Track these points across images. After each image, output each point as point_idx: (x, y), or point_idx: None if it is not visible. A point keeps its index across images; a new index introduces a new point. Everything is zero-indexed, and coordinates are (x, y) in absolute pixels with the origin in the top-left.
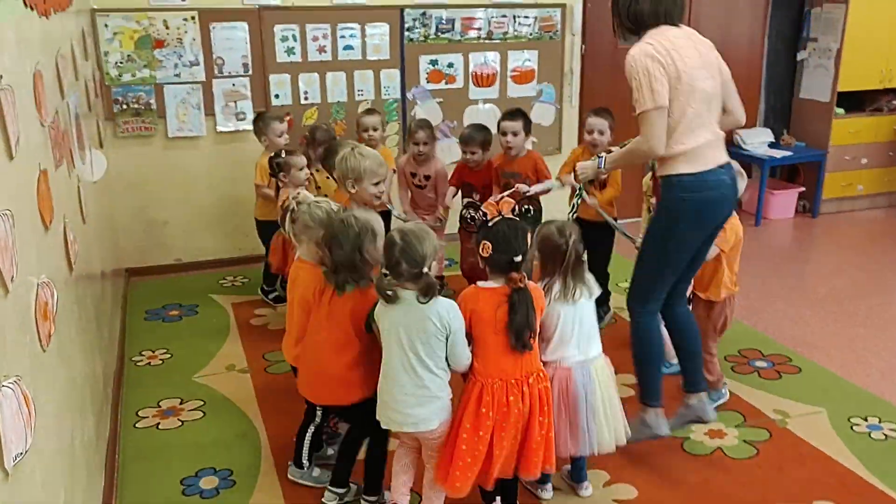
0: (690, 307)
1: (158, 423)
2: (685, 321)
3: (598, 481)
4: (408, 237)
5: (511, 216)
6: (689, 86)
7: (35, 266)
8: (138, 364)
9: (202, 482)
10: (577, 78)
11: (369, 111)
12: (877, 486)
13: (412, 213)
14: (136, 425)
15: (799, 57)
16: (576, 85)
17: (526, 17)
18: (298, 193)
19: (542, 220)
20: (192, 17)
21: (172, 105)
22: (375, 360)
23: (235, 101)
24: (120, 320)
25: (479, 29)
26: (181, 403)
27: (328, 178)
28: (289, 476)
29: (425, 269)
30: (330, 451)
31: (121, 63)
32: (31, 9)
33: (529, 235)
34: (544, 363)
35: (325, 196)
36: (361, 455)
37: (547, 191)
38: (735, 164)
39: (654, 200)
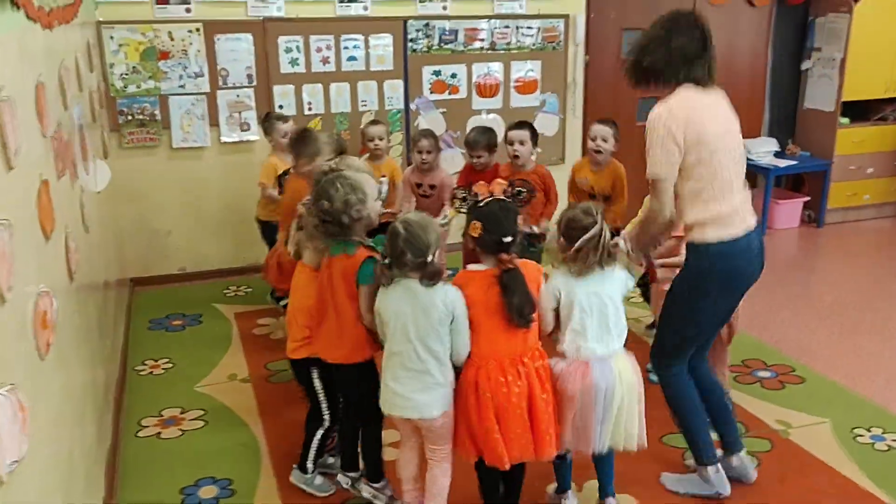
0: None
1: (159, 433)
2: (707, 379)
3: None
4: (411, 227)
5: (503, 197)
6: (711, 152)
7: (34, 275)
8: (141, 373)
9: (202, 491)
10: (580, 88)
11: (374, 122)
12: (879, 496)
13: None
14: (138, 434)
15: (803, 67)
16: (579, 95)
17: (529, 27)
18: (307, 199)
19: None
20: (197, 29)
21: (177, 116)
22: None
23: (239, 112)
24: (123, 329)
25: (483, 40)
26: (182, 413)
27: None
28: (291, 479)
29: (429, 259)
30: (330, 460)
31: (126, 74)
32: (35, 21)
33: (521, 217)
34: (562, 355)
35: None
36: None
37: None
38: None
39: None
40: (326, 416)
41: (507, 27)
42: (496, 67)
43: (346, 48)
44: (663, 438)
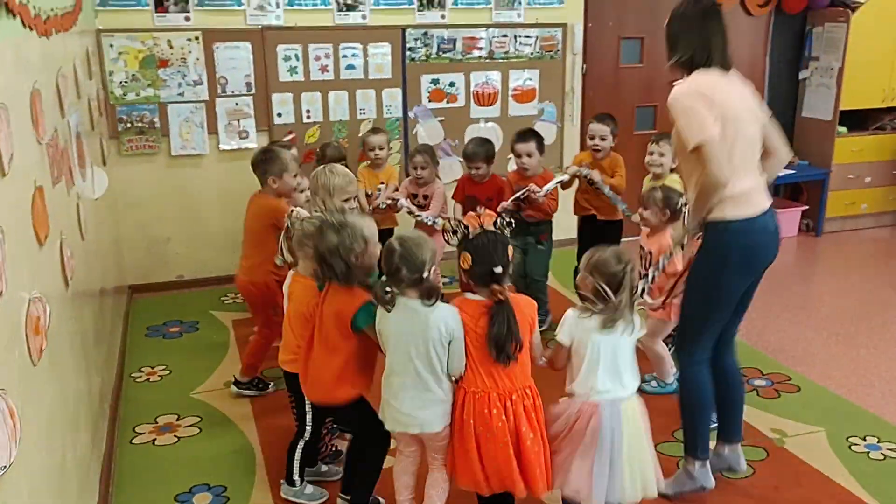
0: None
1: (155, 439)
2: (733, 373)
3: None
4: (407, 244)
5: (492, 228)
6: (734, 129)
7: (28, 281)
8: (137, 380)
9: (196, 498)
10: (578, 97)
11: (375, 130)
12: None
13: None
14: (133, 441)
15: (801, 76)
16: (577, 104)
17: (527, 36)
18: (293, 210)
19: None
20: (196, 38)
21: (176, 124)
22: (366, 359)
23: (238, 120)
24: (121, 336)
25: (481, 48)
26: (178, 419)
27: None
28: (282, 494)
29: (425, 275)
30: (324, 468)
31: (125, 82)
32: (31, 29)
33: (511, 249)
34: (571, 395)
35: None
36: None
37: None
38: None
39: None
40: (308, 429)
41: (505, 36)
42: (494, 76)
43: (344, 57)
44: (658, 447)
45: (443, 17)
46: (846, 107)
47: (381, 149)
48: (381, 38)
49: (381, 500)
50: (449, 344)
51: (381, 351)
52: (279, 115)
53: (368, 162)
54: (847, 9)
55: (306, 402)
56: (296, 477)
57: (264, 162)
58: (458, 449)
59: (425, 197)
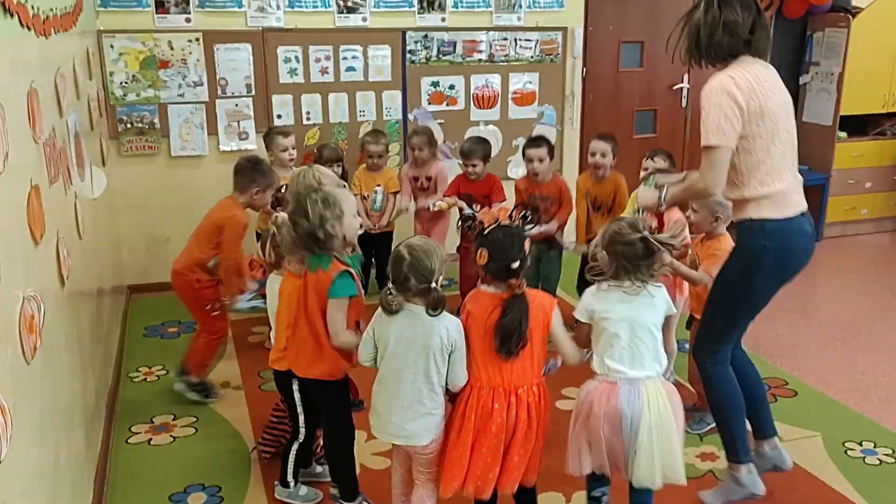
0: (691, 329)
1: (150, 439)
2: (744, 363)
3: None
4: (416, 252)
5: (507, 223)
6: (773, 124)
7: (22, 280)
8: (134, 380)
9: (190, 498)
10: (577, 100)
11: (374, 136)
12: None
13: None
14: (129, 440)
15: (801, 81)
16: (577, 107)
17: (527, 39)
18: (276, 217)
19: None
20: (197, 39)
21: (176, 124)
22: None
23: (238, 121)
24: (119, 336)
25: (481, 51)
26: (174, 419)
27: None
28: (276, 496)
29: (433, 284)
30: (318, 469)
31: (126, 83)
32: (29, 28)
33: (527, 242)
34: (591, 374)
35: None
36: None
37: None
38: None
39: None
40: (302, 431)
41: (505, 39)
42: (494, 79)
43: (344, 59)
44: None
45: (443, 19)
46: (846, 112)
47: (381, 157)
48: (381, 41)
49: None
50: (450, 355)
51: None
52: (279, 116)
53: (366, 165)
54: (848, 14)
55: (296, 395)
56: (289, 478)
57: (254, 171)
58: (452, 452)
59: (428, 179)
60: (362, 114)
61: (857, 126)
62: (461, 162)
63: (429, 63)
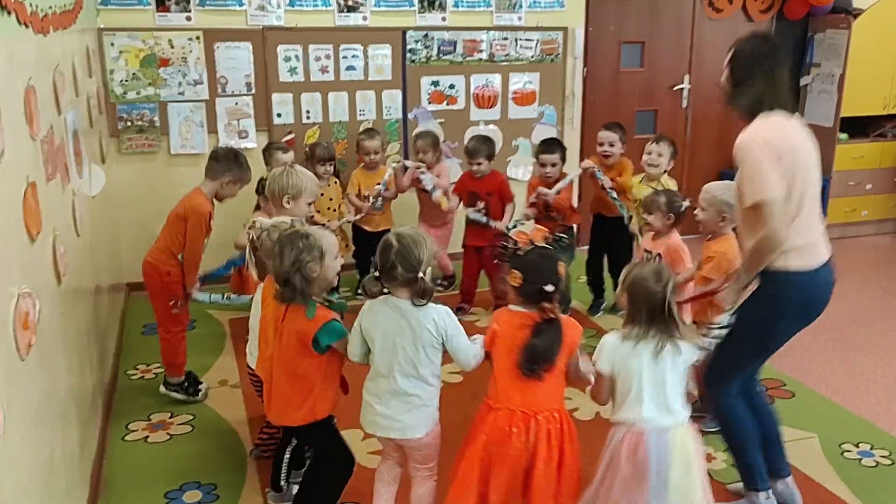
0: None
1: (147, 437)
2: (761, 402)
3: None
4: (405, 240)
5: (543, 244)
6: (803, 180)
7: (17, 276)
8: (132, 377)
9: (186, 496)
10: (578, 100)
11: (370, 134)
12: None
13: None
14: (125, 438)
15: (802, 82)
16: (577, 107)
17: (528, 39)
18: (254, 221)
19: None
20: (197, 37)
21: (176, 122)
22: (328, 380)
23: (238, 120)
24: (117, 334)
25: (482, 51)
26: (171, 417)
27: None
28: (269, 502)
29: (420, 275)
30: None
31: (126, 81)
32: (26, 26)
33: (561, 266)
34: (617, 424)
35: (318, 212)
36: None
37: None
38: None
39: (648, 216)
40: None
41: (505, 39)
42: (494, 79)
43: (344, 58)
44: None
45: (443, 19)
46: (847, 113)
47: (377, 153)
48: (381, 40)
49: None
50: (443, 345)
51: (348, 358)
52: (279, 115)
53: (363, 164)
54: (849, 15)
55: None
56: (282, 482)
57: (233, 161)
58: (461, 464)
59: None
60: (362, 113)
61: (858, 128)
62: (462, 161)
63: (429, 62)
